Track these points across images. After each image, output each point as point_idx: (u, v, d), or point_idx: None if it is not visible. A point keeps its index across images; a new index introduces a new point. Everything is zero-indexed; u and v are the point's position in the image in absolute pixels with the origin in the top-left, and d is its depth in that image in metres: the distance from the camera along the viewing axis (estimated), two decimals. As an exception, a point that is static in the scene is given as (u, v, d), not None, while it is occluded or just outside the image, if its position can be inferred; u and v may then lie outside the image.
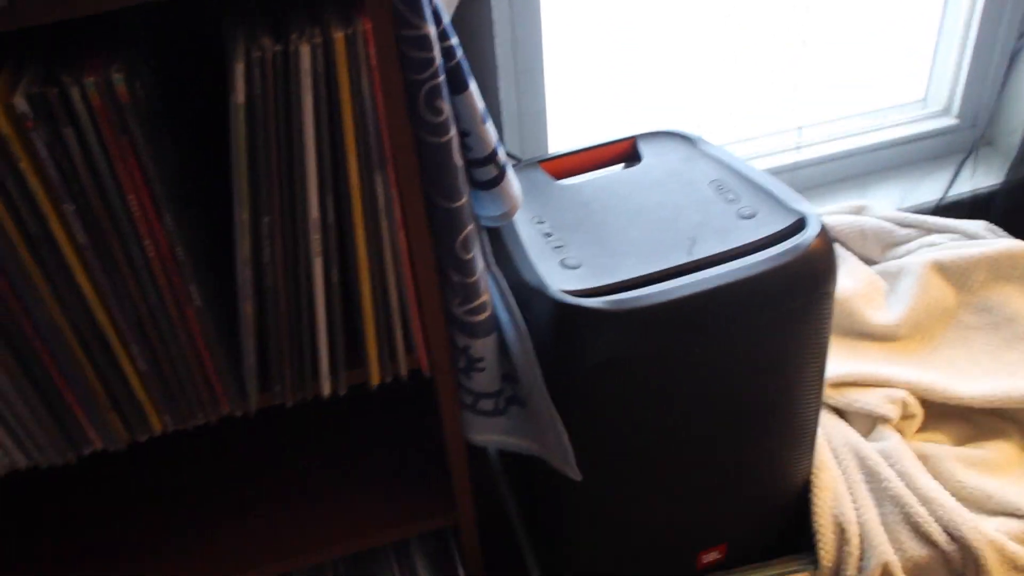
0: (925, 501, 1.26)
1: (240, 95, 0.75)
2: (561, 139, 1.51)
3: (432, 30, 0.77)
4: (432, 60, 0.78)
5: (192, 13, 1.04)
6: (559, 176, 1.23)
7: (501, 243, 1.08)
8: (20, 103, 0.71)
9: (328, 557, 1.14)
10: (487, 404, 1.04)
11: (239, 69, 0.74)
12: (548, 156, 1.25)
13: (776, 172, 1.66)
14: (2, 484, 1.24)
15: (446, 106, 0.81)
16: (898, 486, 1.28)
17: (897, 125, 1.77)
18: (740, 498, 1.22)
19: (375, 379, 0.96)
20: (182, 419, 0.94)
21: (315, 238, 0.84)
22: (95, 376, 0.88)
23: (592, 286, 1.01)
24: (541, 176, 1.21)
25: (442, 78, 0.80)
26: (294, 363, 0.92)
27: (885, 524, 1.26)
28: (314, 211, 0.82)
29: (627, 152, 1.26)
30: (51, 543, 1.16)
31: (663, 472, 1.13)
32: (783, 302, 1.04)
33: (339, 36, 0.74)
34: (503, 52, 1.35)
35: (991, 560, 1.22)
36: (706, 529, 1.24)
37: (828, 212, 1.65)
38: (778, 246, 1.04)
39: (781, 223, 1.07)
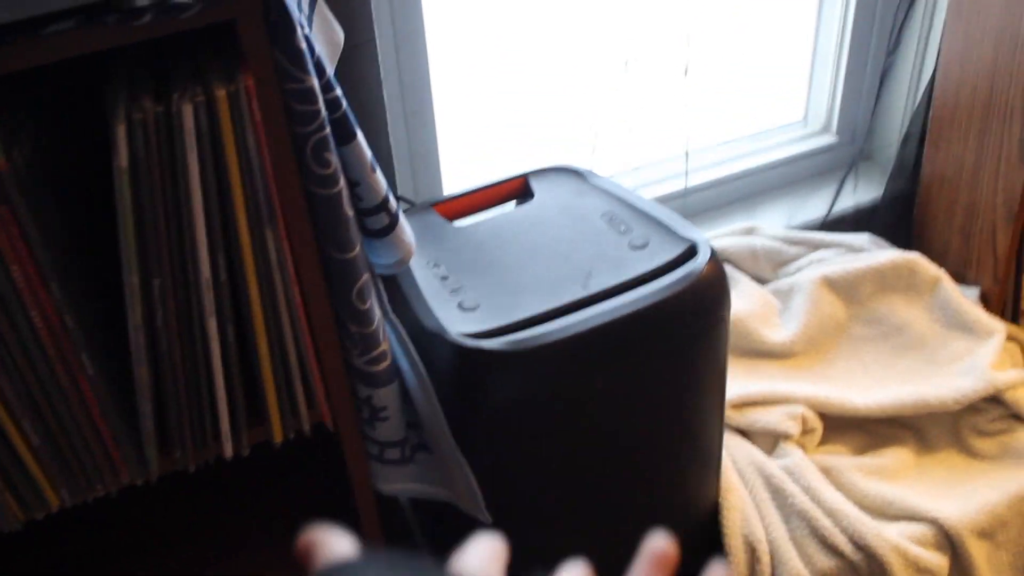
0: (830, 513, 1.29)
1: (123, 158, 0.73)
2: (455, 179, 1.52)
3: (316, 82, 0.77)
4: (318, 112, 0.78)
5: (73, 73, 1.02)
6: (453, 217, 1.23)
7: (398, 289, 1.08)
8: None
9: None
10: (393, 453, 1.03)
11: (121, 131, 0.72)
12: (441, 198, 1.25)
13: (667, 199, 1.69)
14: None
15: (334, 158, 0.81)
16: (804, 501, 1.30)
17: (780, 146, 1.82)
18: (651, 525, 1.22)
19: (278, 436, 0.94)
20: (81, 492, 0.91)
21: (208, 297, 0.82)
22: (-15, 454, 0.85)
23: (491, 327, 1.01)
24: (435, 219, 1.21)
25: (328, 130, 0.80)
26: (194, 426, 0.90)
27: (794, 539, 1.29)
28: (205, 271, 0.81)
29: (519, 190, 1.27)
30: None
31: (572, 506, 1.13)
32: (679, 330, 1.05)
33: (222, 93, 0.74)
34: (391, 95, 1.35)
35: (895, 565, 1.25)
36: (619, 557, 1.24)
37: (719, 235, 1.68)
38: (670, 274, 1.06)
39: (672, 251, 1.09)
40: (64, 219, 0.85)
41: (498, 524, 1.08)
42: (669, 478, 1.19)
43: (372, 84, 1.29)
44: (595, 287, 1.05)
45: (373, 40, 1.26)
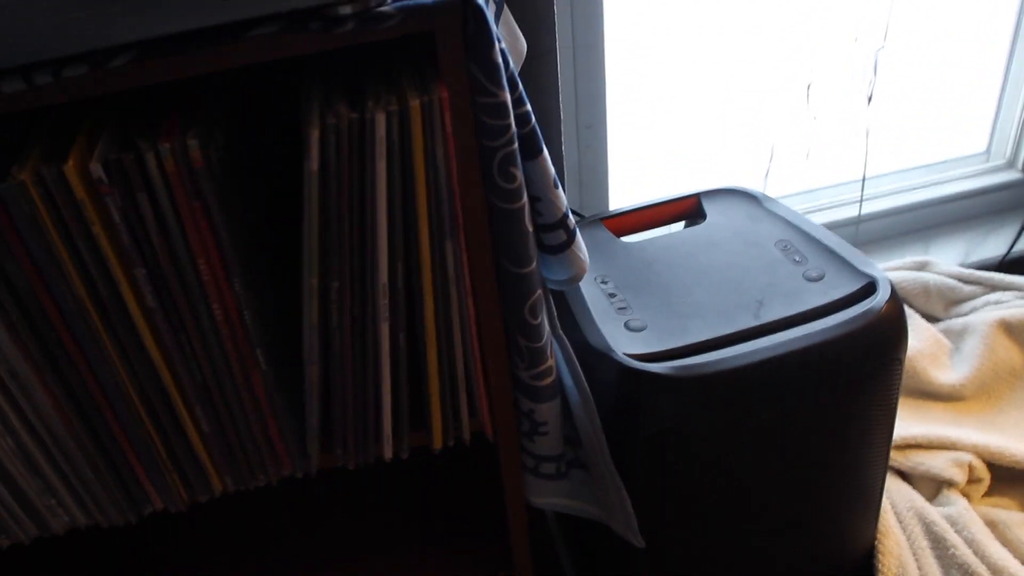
0: (995, 571, 1.23)
1: (314, 162, 0.74)
2: (621, 195, 1.50)
3: (508, 97, 0.76)
4: (508, 127, 0.77)
5: (268, 77, 1.05)
6: (621, 233, 1.22)
7: (565, 303, 1.07)
8: (96, 168, 0.71)
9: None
10: (549, 468, 1.02)
11: (314, 136, 0.73)
12: (611, 213, 1.24)
13: (838, 225, 1.64)
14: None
15: (519, 173, 0.80)
16: (966, 554, 1.24)
17: (960, 179, 1.75)
18: (803, 564, 1.19)
19: (438, 443, 0.94)
20: (243, 480, 0.93)
21: (383, 303, 0.83)
22: (158, 438, 0.87)
23: (657, 350, 1.00)
24: (603, 233, 1.20)
25: (516, 144, 0.79)
26: (357, 426, 0.91)
27: (951, 593, 1.23)
28: (383, 277, 0.81)
29: (690, 209, 1.25)
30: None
31: (727, 538, 1.10)
32: (853, 368, 1.02)
33: (415, 103, 0.74)
34: (566, 107, 1.34)
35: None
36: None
37: (890, 268, 1.62)
38: (848, 310, 1.02)
39: (850, 286, 1.05)
40: (248, 218, 0.87)
41: (648, 549, 1.06)
42: (826, 516, 1.15)
43: (550, 95, 1.29)
44: (767, 317, 1.02)
45: (554, 51, 1.25)
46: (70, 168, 0.71)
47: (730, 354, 0.98)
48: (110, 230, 0.74)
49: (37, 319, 0.77)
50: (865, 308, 1.02)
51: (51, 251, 0.74)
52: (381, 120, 0.74)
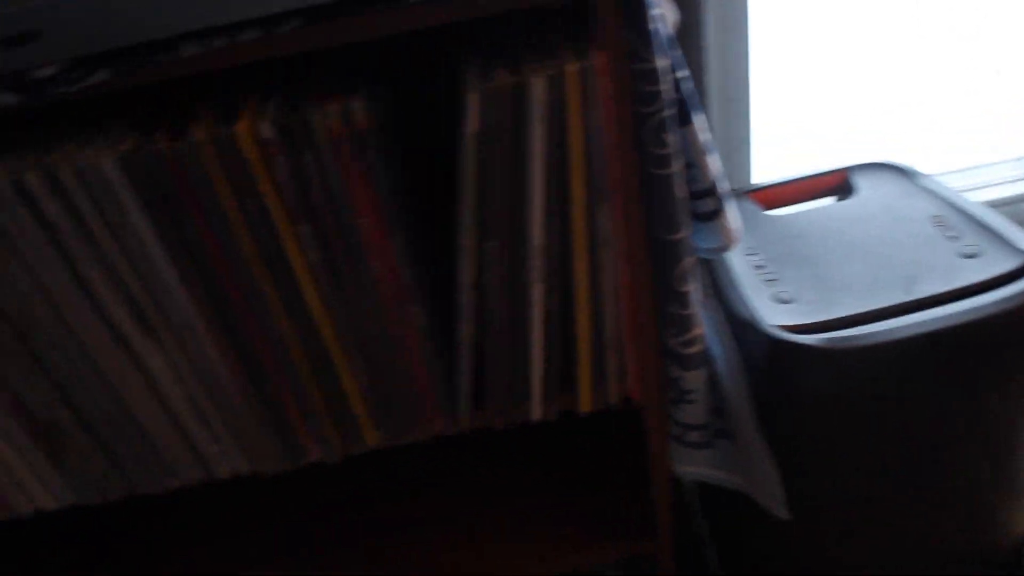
0: None
1: (473, 124, 0.76)
2: (763, 170, 1.49)
3: (662, 63, 0.77)
4: (661, 93, 0.78)
5: (426, 43, 1.07)
6: (767, 207, 1.21)
7: (713, 274, 1.07)
8: (266, 129, 0.74)
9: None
10: (695, 436, 1.03)
11: (474, 99, 0.75)
12: (758, 186, 1.23)
13: (995, 204, 1.59)
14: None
15: (672, 139, 0.81)
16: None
17: None
18: (949, 551, 1.17)
19: (585, 407, 0.96)
20: (395, 435, 0.96)
21: (537, 264, 0.84)
22: (317, 390, 0.91)
23: (807, 322, 0.99)
24: (749, 206, 1.20)
25: (669, 111, 0.80)
26: (508, 386, 0.93)
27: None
28: (537, 238, 0.83)
29: (839, 184, 1.23)
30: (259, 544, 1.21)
31: (871, 516, 1.09)
32: (1009, 348, 0.99)
33: (572, 69, 0.75)
34: (710, 79, 1.34)
35: None
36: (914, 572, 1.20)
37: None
38: (1006, 288, 1.00)
39: (1008, 264, 1.03)
40: (402, 179, 0.90)
41: (793, 521, 1.06)
42: (976, 501, 1.13)
43: (695, 67, 1.29)
44: (919, 293, 1.01)
45: (701, 21, 1.25)
46: (242, 129, 0.74)
47: (882, 328, 0.97)
48: (277, 189, 0.78)
49: (208, 273, 0.81)
50: (1024, 286, 0.99)
51: (222, 208, 0.78)
52: (539, 84, 0.75)
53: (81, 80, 0.70)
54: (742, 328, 1.00)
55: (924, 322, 0.96)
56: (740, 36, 1.34)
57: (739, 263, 1.08)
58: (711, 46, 1.32)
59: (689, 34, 1.26)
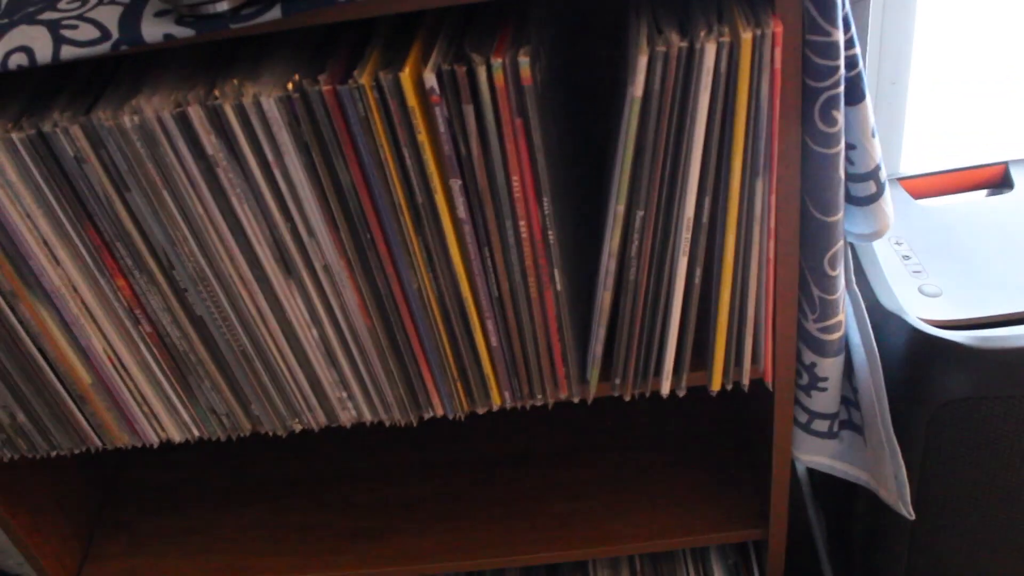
0: None
1: (639, 88, 0.74)
2: (913, 157, 1.44)
3: (841, 37, 0.74)
4: (836, 68, 0.75)
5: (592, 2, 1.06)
6: (918, 196, 1.17)
7: (856, 259, 1.04)
8: (429, 78, 0.74)
9: (632, 551, 1.14)
10: (821, 425, 1.00)
11: (641, 62, 0.73)
12: (909, 174, 1.19)
13: None
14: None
15: (841, 117, 0.78)
16: None
17: None
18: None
19: (716, 385, 0.94)
20: (522, 397, 0.95)
21: (685, 236, 0.83)
22: (449, 346, 0.90)
23: (954, 318, 0.96)
24: (899, 194, 1.16)
25: (842, 88, 0.77)
26: (639, 357, 0.92)
27: None
28: (689, 210, 0.81)
29: (996, 178, 1.18)
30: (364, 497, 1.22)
31: (1002, 528, 1.05)
32: None
33: (747, 37, 0.72)
34: (870, 61, 1.30)
35: None
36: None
37: None
38: None
39: None
40: (554, 140, 0.88)
41: (917, 523, 1.03)
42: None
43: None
44: (1077, 298, 0.96)
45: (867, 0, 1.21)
46: (406, 75, 0.73)
47: (1035, 331, 0.93)
48: (434, 139, 0.77)
49: (355, 218, 0.81)
50: None
51: (377, 154, 0.77)
52: (711, 50, 0.73)
53: (254, 16, 0.70)
54: (884, 318, 0.97)
55: (1084, 329, 0.92)
56: (906, 16, 1.29)
57: (884, 251, 1.05)
58: (874, 25, 1.28)
59: (854, 10, 1.22)
